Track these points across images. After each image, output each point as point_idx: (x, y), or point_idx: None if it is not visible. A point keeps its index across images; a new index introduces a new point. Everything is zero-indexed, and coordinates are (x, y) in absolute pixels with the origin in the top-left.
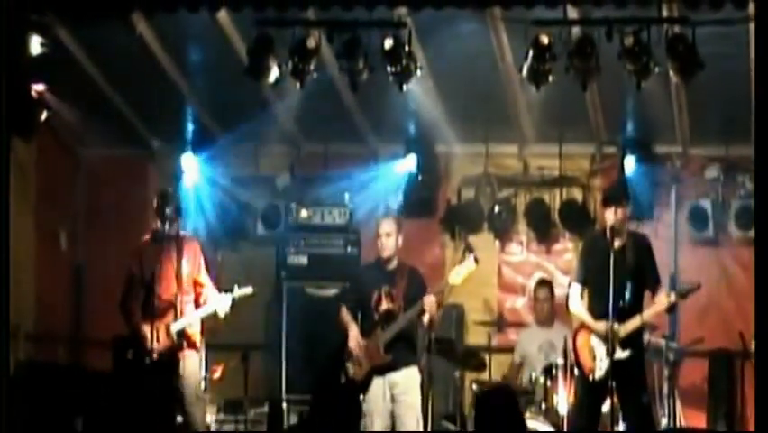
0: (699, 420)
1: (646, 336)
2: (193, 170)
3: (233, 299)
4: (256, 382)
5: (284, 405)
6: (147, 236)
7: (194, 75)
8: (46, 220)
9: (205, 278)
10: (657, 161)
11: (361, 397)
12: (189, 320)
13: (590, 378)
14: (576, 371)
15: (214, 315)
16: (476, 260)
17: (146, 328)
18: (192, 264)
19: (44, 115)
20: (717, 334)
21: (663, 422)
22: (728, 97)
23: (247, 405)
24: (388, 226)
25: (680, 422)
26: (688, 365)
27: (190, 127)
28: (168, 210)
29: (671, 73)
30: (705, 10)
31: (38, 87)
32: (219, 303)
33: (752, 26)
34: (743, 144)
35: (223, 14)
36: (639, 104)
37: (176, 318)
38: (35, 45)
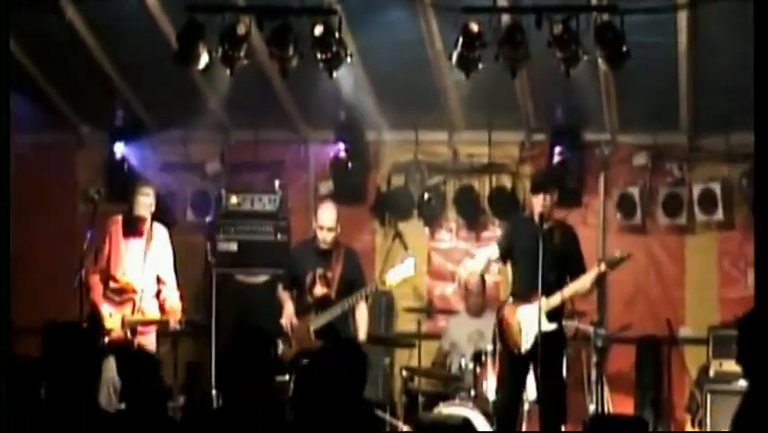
0: (627, 406)
1: (574, 323)
2: (122, 156)
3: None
4: (185, 368)
5: (213, 392)
6: (118, 216)
7: (123, 61)
8: None
9: (168, 276)
10: (586, 148)
11: (287, 377)
12: (147, 338)
13: (516, 352)
14: (501, 346)
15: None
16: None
17: (103, 309)
18: (158, 258)
19: None
20: (644, 320)
21: (591, 408)
22: (656, 86)
23: (176, 392)
24: (330, 221)
25: (607, 408)
26: (616, 352)
27: (119, 113)
28: (142, 197)
29: (599, 61)
30: None
31: None
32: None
33: (679, 15)
34: (670, 132)
35: (152, 0)
36: (568, 91)
37: (133, 311)
38: None
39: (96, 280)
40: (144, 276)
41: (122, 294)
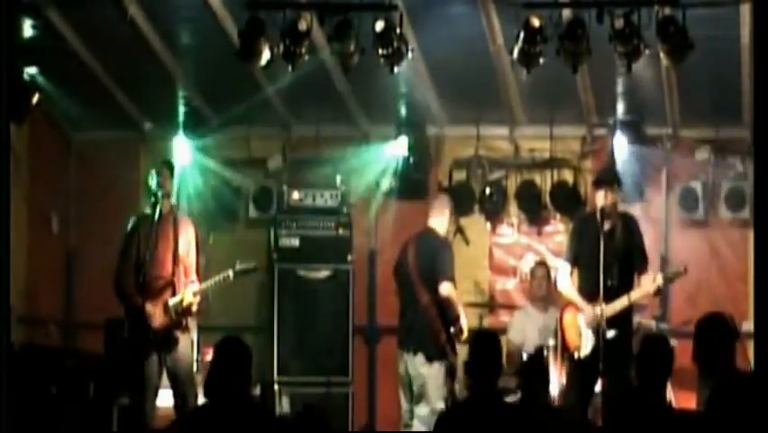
0: (690, 401)
1: (637, 318)
2: (185, 152)
3: (235, 273)
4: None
5: (276, 387)
6: (142, 213)
7: (185, 57)
8: (38, 203)
9: (193, 260)
10: (648, 142)
11: None
12: (186, 296)
13: (576, 356)
14: (561, 348)
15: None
16: None
17: (145, 306)
18: (186, 245)
19: (36, 98)
20: None
21: None
22: (718, 79)
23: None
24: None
25: (670, 403)
26: (678, 347)
27: (182, 110)
28: (166, 185)
29: (661, 55)
30: None
31: (29, 70)
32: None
33: (742, 8)
34: (733, 126)
35: None
36: (629, 86)
37: (173, 296)
38: (26, 27)
39: (129, 284)
40: (178, 262)
41: (159, 284)
